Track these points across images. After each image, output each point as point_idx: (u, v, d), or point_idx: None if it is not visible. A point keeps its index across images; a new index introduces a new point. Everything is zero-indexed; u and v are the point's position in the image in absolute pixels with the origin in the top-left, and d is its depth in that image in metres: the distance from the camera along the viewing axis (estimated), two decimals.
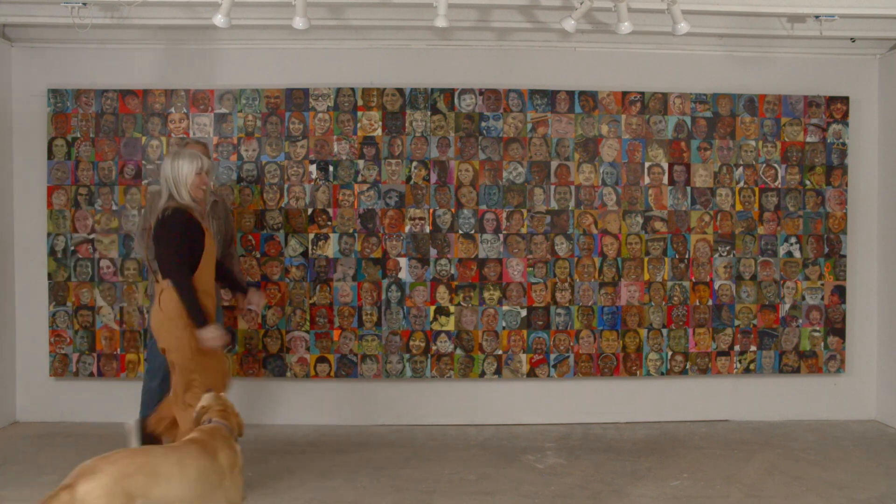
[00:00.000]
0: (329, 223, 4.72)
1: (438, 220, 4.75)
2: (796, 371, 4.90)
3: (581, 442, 4.45)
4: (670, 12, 4.06)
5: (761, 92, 4.88)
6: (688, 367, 4.85)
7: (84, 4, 4.25)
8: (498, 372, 4.77)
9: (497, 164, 4.77)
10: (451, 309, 4.75)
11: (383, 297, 4.73)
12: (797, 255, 4.89)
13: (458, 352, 4.76)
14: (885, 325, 4.92)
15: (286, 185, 4.71)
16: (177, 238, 3.28)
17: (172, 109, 4.71)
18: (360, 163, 4.74)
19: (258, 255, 4.72)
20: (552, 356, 4.80)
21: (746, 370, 4.88)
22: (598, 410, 4.85)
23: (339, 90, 4.73)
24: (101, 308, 4.69)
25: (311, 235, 4.72)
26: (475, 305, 4.75)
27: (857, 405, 4.97)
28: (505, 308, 4.78)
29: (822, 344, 4.91)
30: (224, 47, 4.75)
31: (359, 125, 4.74)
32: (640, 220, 4.82)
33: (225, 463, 2.76)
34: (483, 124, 4.77)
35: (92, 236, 4.69)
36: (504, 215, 4.77)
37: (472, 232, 4.76)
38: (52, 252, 4.69)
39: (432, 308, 4.74)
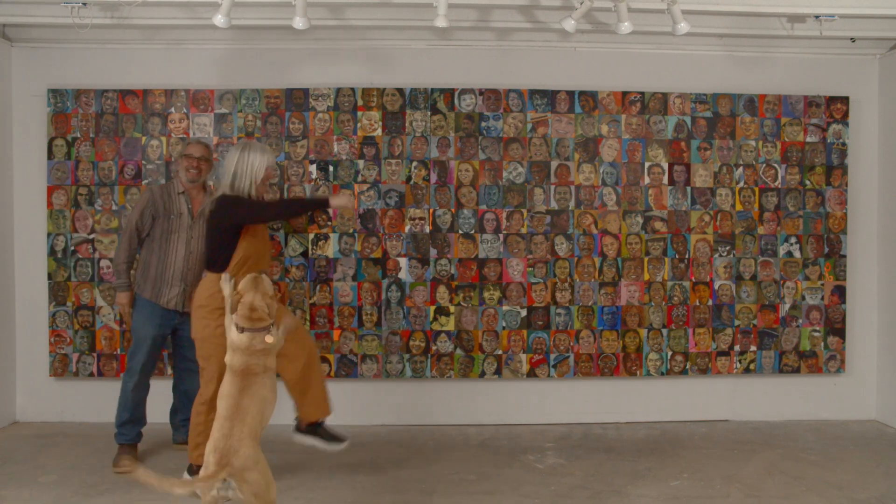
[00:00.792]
0: (329, 223, 4.72)
1: (438, 220, 4.75)
2: (796, 371, 4.91)
3: (581, 442, 4.45)
4: (670, 12, 4.06)
5: (761, 92, 4.88)
6: (688, 367, 4.85)
7: (84, 4, 4.24)
8: (498, 372, 4.77)
9: (497, 164, 4.77)
10: (451, 309, 4.75)
11: (383, 297, 4.73)
12: (797, 255, 4.89)
13: (458, 352, 4.76)
14: (885, 325, 4.92)
15: (286, 185, 4.71)
16: (240, 200, 3.44)
17: (172, 109, 4.71)
18: (360, 163, 4.74)
19: None
20: (552, 356, 4.80)
21: (746, 370, 4.88)
22: (598, 410, 4.85)
23: (339, 90, 4.73)
24: (101, 308, 4.69)
25: (311, 235, 4.72)
26: (475, 305, 4.75)
27: (857, 405, 4.97)
28: (505, 308, 4.78)
29: (822, 344, 4.91)
30: (225, 47, 4.75)
31: (359, 125, 4.74)
32: (640, 220, 4.82)
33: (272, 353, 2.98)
34: (483, 124, 4.77)
35: (92, 236, 4.69)
36: (504, 215, 4.77)
37: (472, 232, 4.76)
38: (52, 252, 4.69)
39: (432, 308, 4.75)
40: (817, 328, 4.91)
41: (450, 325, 4.75)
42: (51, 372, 4.71)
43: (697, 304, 4.85)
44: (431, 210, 4.75)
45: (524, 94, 4.78)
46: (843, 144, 4.91)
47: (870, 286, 4.99)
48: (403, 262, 4.74)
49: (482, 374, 4.77)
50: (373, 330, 4.72)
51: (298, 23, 3.95)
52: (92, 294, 4.68)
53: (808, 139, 4.90)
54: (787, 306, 4.90)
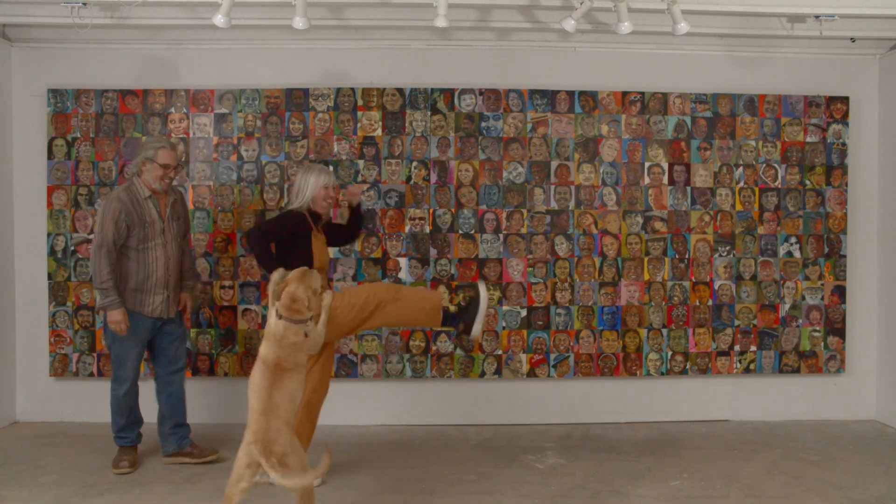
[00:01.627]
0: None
1: (438, 220, 4.75)
2: (796, 371, 4.90)
3: (581, 442, 4.45)
4: (670, 12, 4.06)
5: (761, 92, 4.88)
6: (688, 367, 4.85)
7: (84, 4, 4.24)
8: (498, 372, 4.77)
9: (497, 164, 4.77)
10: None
11: None
12: (797, 255, 4.89)
13: (458, 352, 4.76)
14: (885, 325, 4.92)
15: (286, 186, 4.72)
16: (275, 222, 3.65)
17: (172, 109, 4.71)
18: (360, 163, 4.74)
19: None
20: (552, 356, 4.80)
21: (746, 370, 4.88)
22: (598, 410, 4.85)
23: (339, 90, 4.73)
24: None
25: None
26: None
27: (857, 405, 4.97)
28: (505, 308, 4.78)
29: (822, 344, 4.91)
30: (224, 47, 4.75)
31: (359, 125, 4.74)
32: (640, 220, 4.82)
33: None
34: (483, 124, 4.77)
35: (92, 236, 4.69)
36: (504, 215, 4.77)
37: (472, 232, 4.76)
38: (52, 252, 4.69)
39: None
40: (817, 328, 4.91)
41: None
42: (51, 372, 4.71)
43: (697, 304, 4.85)
44: (431, 210, 4.75)
45: (524, 94, 4.78)
46: (843, 144, 4.91)
47: (870, 286, 4.99)
48: (403, 262, 4.74)
49: (482, 374, 4.77)
50: (373, 330, 4.72)
51: (298, 23, 3.95)
52: (92, 294, 4.68)
53: (808, 139, 4.90)
54: (787, 306, 4.89)
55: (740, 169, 4.87)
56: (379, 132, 4.75)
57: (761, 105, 4.88)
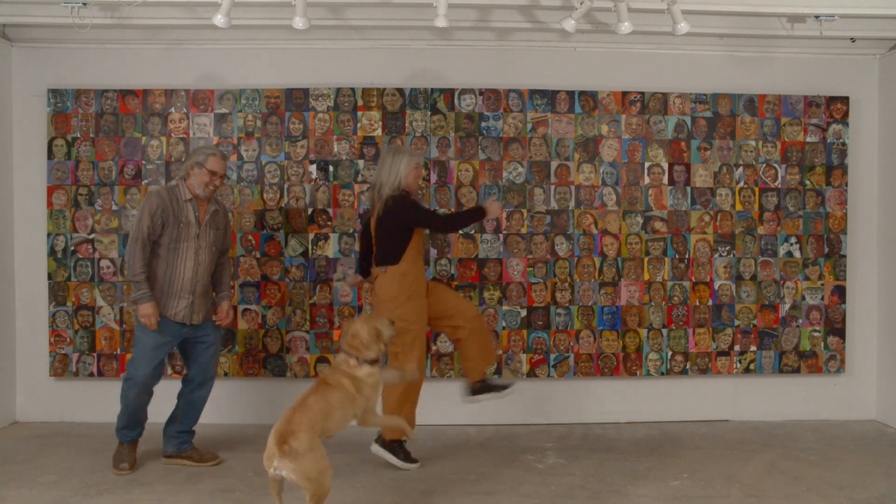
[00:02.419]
0: (329, 223, 4.72)
1: None
2: (796, 371, 4.91)
3: (581, 442, 4.45)
4: (670, 12, 4.06)
5: (761, 92, 4.88)
6: (688, 367, 4.85)
7: (84, 4, 4.24)
8: (498, 372, 4.77)
9: (497, 164, 4.77)
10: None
11: None
12: (797, 255, 4.90)
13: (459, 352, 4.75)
14: (885, 325, 4.92)
15: (286, 185, 4.72)
16: (422, 206, 3.99)
17: (172, 109, 4.71)
18: (360, 163, 4.74)
19: (258, 255, 4.72)
20: (552, 356, 4.80)
21: (746, 370, 4.88)
22: (598, 410, 4.85)
23: (339, 90, 4.74)
24: (101, 308, 4.69)
25: (311, 235, 4.72)
26: (475, 305, 4.75)
27: (857, 405, 4.97)
28: (505, 308, 4.78)
29: (822, 344, 4.91)
30: (224, 47, 4.75)
31: (359, 125, 4.74)
32: (640, 220, 4.82)
33: (351, 389, 3.23)
34: (483, 124, 4.77)
35: (92, 236, 4.69)
36: (504, 215, 4.76)
37: (472, 232, 4.76)
38: (52, 252, 4.69)
39: None
40: (817, 328, 4.91)
41: None
42: (51, 372, 4.71)
43: (697, 304, 4.85)
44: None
45: (524, 94, 4.78)
46: (843, 144, 4.91)
47: (870, 286, 4.99)
48: None
49: None
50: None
51: (298, 23, 3.95)
52: (92, 294, 4.68)
53: (808, 139, 4.90)
54: (787, 306, 4.90)
55: (740, 169, 4.87)
56: (379, 132, 4.75)
57: (761, 105, 4.88)
